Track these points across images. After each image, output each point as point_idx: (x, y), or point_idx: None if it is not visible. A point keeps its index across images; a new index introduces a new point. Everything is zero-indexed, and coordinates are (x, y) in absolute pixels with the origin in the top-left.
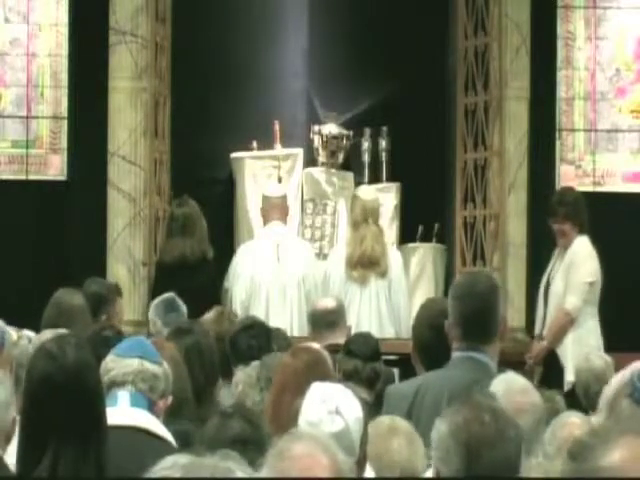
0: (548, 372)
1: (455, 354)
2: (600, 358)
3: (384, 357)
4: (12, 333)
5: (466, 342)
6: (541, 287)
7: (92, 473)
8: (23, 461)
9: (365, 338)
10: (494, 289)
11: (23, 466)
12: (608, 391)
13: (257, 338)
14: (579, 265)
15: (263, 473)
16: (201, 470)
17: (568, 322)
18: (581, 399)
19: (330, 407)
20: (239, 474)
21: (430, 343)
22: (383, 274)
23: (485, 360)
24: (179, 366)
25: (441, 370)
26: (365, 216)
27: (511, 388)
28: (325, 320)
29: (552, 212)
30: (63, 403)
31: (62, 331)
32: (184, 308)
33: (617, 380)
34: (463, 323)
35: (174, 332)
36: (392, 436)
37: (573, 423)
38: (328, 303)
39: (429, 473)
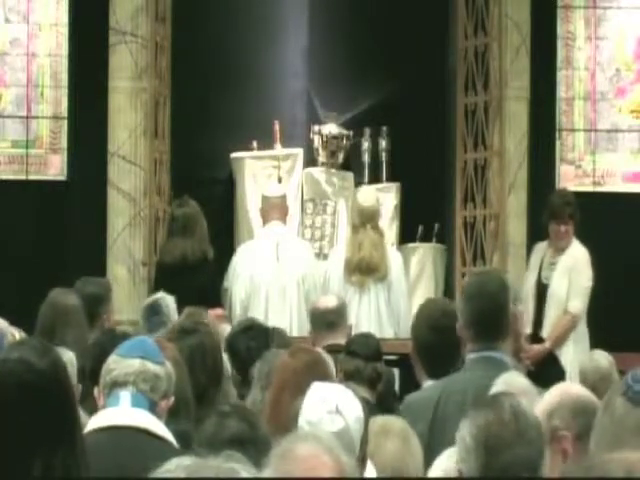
0: (544, 372)
1: (470, 356)
2: (604, 357)
3: (384, 357)
4: (15, 333)
5: (479, 343)
6: (530, 285)
7: (83, 471)
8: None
9: (366, 338)
10: (504, 288)
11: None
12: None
13: (256, 339)
14: (581, 269)
15: (266, 474)
16: (205, 471)
17: (573, 326)
18: None
19: (330, 407)
20: (243, 474)
21: (430, 343)
22: (382, 279)
23: (500, 357)
24: (179, 366)
25: (459, 373)
26: (363, 221)
27: (508, 388)
28: (325, 320)
29: (558, 214)
30: (47, 407)
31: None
32: (169, 309)
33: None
34: (475, 324)
35: (179, 332)
36: (385, 436)
37: None
38: (329, 302)
39: (431, 473)
